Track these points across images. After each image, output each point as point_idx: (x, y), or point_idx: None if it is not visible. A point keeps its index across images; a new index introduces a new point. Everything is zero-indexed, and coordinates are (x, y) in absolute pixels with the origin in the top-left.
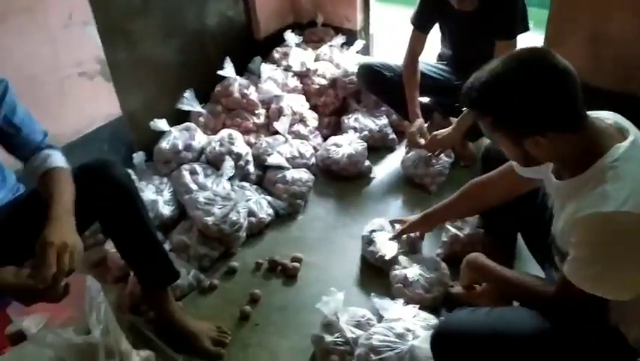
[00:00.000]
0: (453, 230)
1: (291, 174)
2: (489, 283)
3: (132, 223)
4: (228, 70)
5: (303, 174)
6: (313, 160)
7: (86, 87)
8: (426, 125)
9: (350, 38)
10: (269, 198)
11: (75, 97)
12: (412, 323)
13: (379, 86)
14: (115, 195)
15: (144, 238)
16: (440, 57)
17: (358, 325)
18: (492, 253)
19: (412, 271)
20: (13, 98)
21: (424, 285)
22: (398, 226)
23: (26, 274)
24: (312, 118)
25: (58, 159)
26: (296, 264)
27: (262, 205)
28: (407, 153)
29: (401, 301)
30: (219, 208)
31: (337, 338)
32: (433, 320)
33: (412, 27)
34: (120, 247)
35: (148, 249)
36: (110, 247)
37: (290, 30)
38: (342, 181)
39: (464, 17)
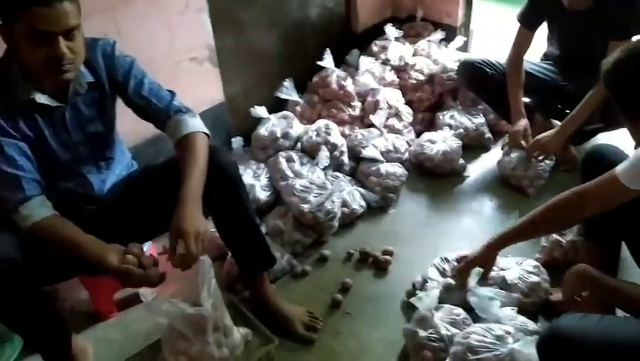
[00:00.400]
0: (554, 236)
1: (385, 167)
2: (596, 295)
3: (235, 209)
4: (327, 61)
5: (397, 169)
6: (406, 155)
7: (195, 72)
8: None
9: (449, 34)
10: (362, 190)
11: (185, 81)
12: (510, 326)
13: (480, 83)
14: (221, 181)
15: (245, 224)
16: (546, 56)
17: (454, 323)
18: (594, 261)
19: (512, 274)
20: (139, 70)
21: (522, 289)
22: (453, 265)
23: (131, 260)
24: (407, 113)
25: (190, 124)
26: (387, 257)
27: (355, 197)
28: (505, 153)
29: (498, 302)
30: (315, 197)
31: (431, 333)
32: (531, 324)
33: (518, 24)
34: (221, 229)
35: (248, 234)
36: (209, 226)
37: (390, 24)
38: (434, 178)
39: (576, 16)
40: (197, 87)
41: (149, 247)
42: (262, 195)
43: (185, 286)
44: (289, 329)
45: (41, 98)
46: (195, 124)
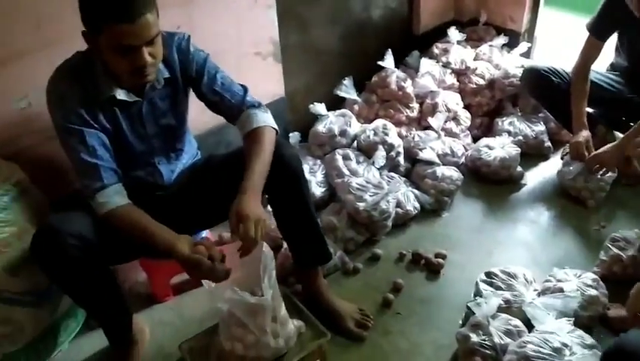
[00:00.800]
0: (615, 250)
1: (441, 170)
2: None
3: (296, 202)
4: (388, 61)
5: (453, 172)
6: (463, 160)
7: (258, 67)
8: None
9: (512, 40)
10: (416, 191)
11: (248, 75)
12: (568, 339)
13: (544, 91)
14: (284, 174)
15: (305, 217)
16: (613, 67)
17: (508, 332)
18: None
19: (570, 286)
20: (213, 65)
21: (580, 302)
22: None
23: (201, 251)
24: (465, 117)
25: (260, 119)
26: (440, 260)
27: (409, 198)
28: (565, 163)
29: (553, 313)
30: (371, 195)
31: (484, 340)
32: (588, 338)
33: (587, 33)
34: (281, 221)
35: (307, 228)
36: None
37: (454, 27)
38: (490, 184)
39: None
40: (260, 81)
41: (206, 235)
42: (317, 191)
43: (244, 276)
44: (340, 325)
45: (121, 95)
46: (265, 119)
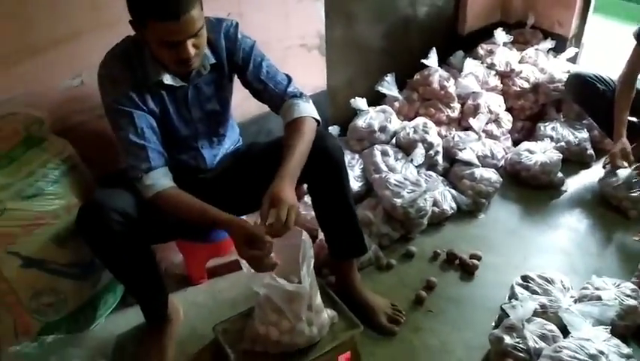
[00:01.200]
0: None
1: (480, 172)
2: None
3: (336, 193)
4: (432, 60)
5: (492, 175)
6: (502, 162)
7: (303, 59)
8: (631, 147)
9: (559, 44)
10: (453, 191)
11: (293, 67)
12: (604, 347)
13: (589, 98)
14: (326, 165)
15: (344, 209)
16: None
17: (543, 337)
18: None
19: (608, 294)
20: (259, 53)
21: (618, 311)
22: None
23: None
24: (507, 120)
25: (302, 109)
26: (475, 261)
27: (446, 197)
28: (607, 172)
29: (590, 321)
30: (408, 192)
31: (518, 343)
32: (625, 348)
33: (634, 42)
34: (319, 212)
35: (345, 219)
36: (301, 208)
37: (500, 28)
38: (529, 189)
39: None
40: (303, 73)
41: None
42: (354, 185)
43: (283, 263)
44: (372, 319)
45: (168, 80)
46: (307, 109)
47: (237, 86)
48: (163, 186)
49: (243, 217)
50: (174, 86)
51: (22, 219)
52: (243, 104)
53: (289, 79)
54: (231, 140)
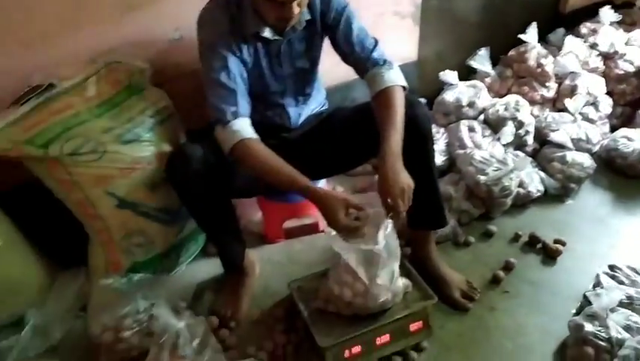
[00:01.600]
0: None
1: (572, 155)
2: None
3: (422, 162)
4: (531, 35)
5: (586, 159)
6: (597, 148)
7: (395, 26)
8: None
9: None
10: (542, 173)
11: (384, 34)
12: None
13: None
14: (414, 134)
15: (427, 180)
16: None
17: (628, 328)
18: None
19: None
20: (351, 15)
21: None
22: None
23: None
24: (607, 104)
25: (387, 78)
26: (559, 246)
27: (534, 179)
28: None
29: None
30: (494, 170)
31: (599, 331)
32: None
33: None
34: None
35: (428, 190)
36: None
37: (607, 6)
38: (623, 177)
39: None
40: (395, 42)
41: (323, 185)
42: (437, 159)
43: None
44: (446, 293)
45: (265, 32)
46: (393, 77)
47: (327, 51)
48: (249, 135)
49: (321, 182)
50: (269, 40)
51: (120, 162)
52: (331, 70)
53: (376, 43)
54: (317, 101)
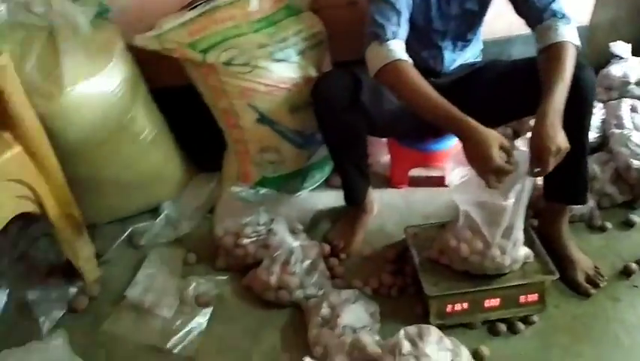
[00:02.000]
0: None
1: None
2: None
3: (575, 131)
4: None
5: None
6: None
7: None
8: None
9: None
10: None
11: None
12: None
13: None
14: (575, 99)
15: (577, 150)
16: None
17: None
18: None
19: None
20: None
21: None
22: None
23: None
24: None
25: (561, 32)
26: None
27: None
28: None
29: None
30: None
31: None
32: None
33: None
34: None
35: (574, 162)
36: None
37: None
38: None
39: None
40: (566, 2)
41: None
42: (590, 134)
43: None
44: (569, 273)
45: None
46: (568, 33)
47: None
48: (406, 57)
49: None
50: None
51: (267, 78)
52: (491, 22)
53: None
54: (473, 52)
